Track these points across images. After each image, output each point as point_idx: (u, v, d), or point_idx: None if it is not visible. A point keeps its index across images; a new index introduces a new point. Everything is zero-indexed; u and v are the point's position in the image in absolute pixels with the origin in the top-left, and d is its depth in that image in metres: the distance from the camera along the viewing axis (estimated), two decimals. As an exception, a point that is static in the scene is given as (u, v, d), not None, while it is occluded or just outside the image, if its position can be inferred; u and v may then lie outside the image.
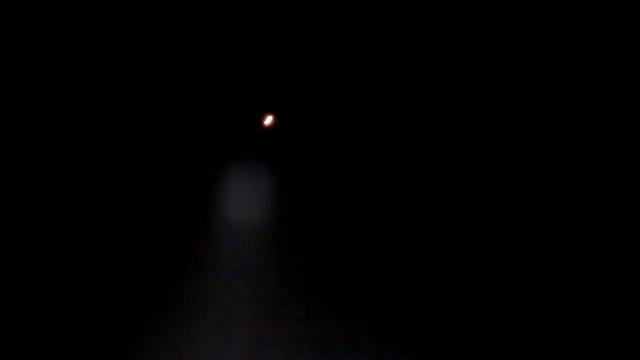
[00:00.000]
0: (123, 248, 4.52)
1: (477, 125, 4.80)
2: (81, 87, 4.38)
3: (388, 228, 4.55)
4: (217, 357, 2.65)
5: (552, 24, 4.20)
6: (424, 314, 2.96)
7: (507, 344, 2.59)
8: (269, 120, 4.80)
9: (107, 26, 4.50)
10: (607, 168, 3.92)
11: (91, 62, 4.44)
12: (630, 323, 2.64)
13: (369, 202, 5.38)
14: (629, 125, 3.80)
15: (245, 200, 6.17)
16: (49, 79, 4.18)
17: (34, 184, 4.21)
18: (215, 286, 3.60)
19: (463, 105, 4.90)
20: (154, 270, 4.04)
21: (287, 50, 5.22)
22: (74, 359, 2.71)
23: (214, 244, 4.59)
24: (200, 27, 5.08)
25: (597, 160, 3.99)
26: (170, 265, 4.12)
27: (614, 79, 3.86)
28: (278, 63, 5.32)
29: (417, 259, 3.78)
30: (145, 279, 3.88)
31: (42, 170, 4.21)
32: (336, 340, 2.73)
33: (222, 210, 5.77)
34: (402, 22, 4.98)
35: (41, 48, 4.11)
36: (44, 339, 2.85)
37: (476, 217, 4.51)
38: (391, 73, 5.44)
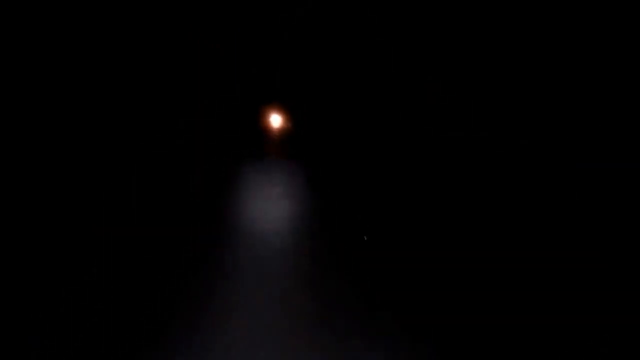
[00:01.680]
0: (123, 248, 4.52)
1: (477, 125, 4.79)
2: (81, 87, 4.38)
3: (388, 228, 4.54)
4: (220, 358, 2.65)
5: (552, 24, 4.20)
6: (424, 314, 2.96)
7: (507, 344, 2.59)
8: (277, 121, 4.76)
9: (107, 26, 4.50)
10: (607, 168, 3.92)
11: (91, 62, 4.44)
12: (630, 323, 2.64)
13: (369, 202, 5.38)
14: (629, 125, 3.80)
15: (245, 200, 6.17)
16: (48, 78, 4.18)
17: (34, 183, 4.20)
18: (215, 287, 3.60)
19: (463, 105, 4.90)
20: (154, 271, 4.03)
21: (287, 50, 5.22)
22: (73, 359, 2.71)
23: (213, 244, 4.59)
24: (200, 27, 5.08)
25: (597, 160, 3.98)
26: (170, 266, 4.11)
27: (614, 79, 3.86)
28: (278, 63, 5.32)
29: (417, 259, 3.77)
30: (146, 279, 3.87)
31: (42, 170, 4.21)
32: (351, 339, 2.72)
33: (221, 210, 5.76)
34: (402, 22, 4.98)
35: (41, 48, 4.11)
36: (44, 339, 2.85)
37: (476, 217, 4.50)
38: (391, 73, 5.44)
